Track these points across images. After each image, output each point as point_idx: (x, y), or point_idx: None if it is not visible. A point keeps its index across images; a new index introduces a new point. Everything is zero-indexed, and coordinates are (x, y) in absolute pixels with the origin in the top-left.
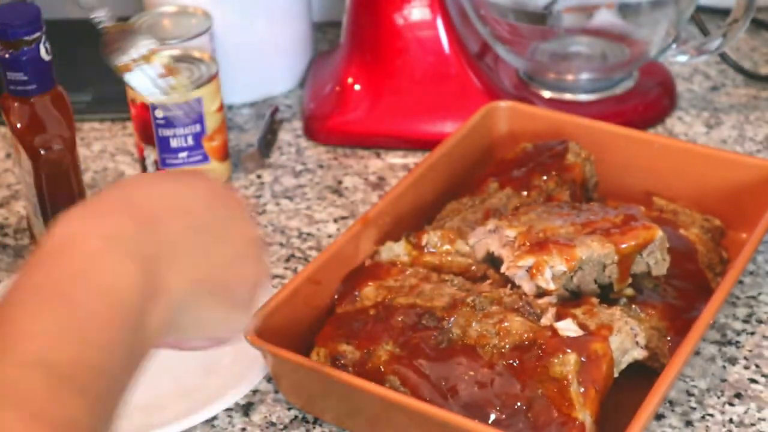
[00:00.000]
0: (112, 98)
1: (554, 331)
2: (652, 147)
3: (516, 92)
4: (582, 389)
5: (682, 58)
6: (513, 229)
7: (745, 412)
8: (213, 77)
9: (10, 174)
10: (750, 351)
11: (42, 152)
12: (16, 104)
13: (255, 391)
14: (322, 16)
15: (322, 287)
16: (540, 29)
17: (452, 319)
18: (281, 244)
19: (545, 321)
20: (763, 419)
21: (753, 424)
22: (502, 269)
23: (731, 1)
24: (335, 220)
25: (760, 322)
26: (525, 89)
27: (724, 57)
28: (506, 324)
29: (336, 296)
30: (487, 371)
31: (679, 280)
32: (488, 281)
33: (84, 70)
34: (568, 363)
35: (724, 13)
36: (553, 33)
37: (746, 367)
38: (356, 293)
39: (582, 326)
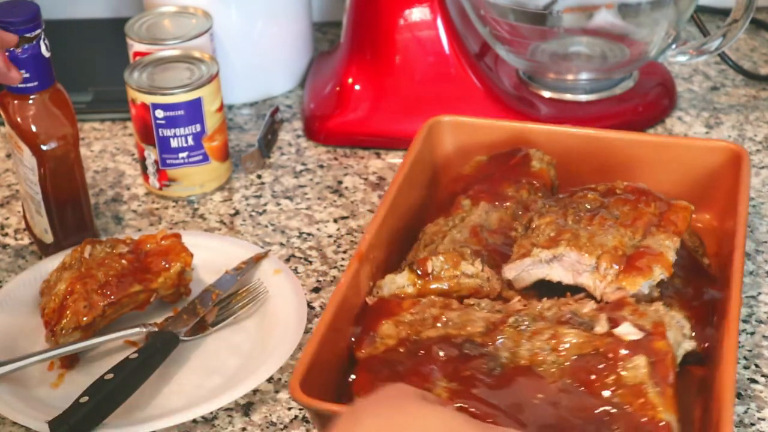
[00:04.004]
0: (112, 98)
1: (615, 338)
2: (603, 142)
3: (516, 92)
4: (658, 389)
5: (682, 58)
6: (590, 256)
7: (745, 412)
8: (213, 77)
9: (10, 174)
10: (750, 351)
11: (45, 148)
12: (16, 102)
13: (255, 391)
14: (322, 16)
15: (340, 332)
16: (540, 29)
17: (498, 342)
18: (281, 244)
19: (600, 329)
20: (763, 419)
21: (753, 424)
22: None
23: (731, 1)
24: (335, 220)
25: (760, 322)
26: (525, 89)
27: (723, 57)
28: (562, 338)
29: (352, 339)
30: (554, 389)
31: (677, 268)
32: (517, 299)
33: (84, 70)
34: (639, 367)
35: (724, 13)
36: (553, 33)
37: (746, 367)
38: (373, 334)
39: (638, 327)
